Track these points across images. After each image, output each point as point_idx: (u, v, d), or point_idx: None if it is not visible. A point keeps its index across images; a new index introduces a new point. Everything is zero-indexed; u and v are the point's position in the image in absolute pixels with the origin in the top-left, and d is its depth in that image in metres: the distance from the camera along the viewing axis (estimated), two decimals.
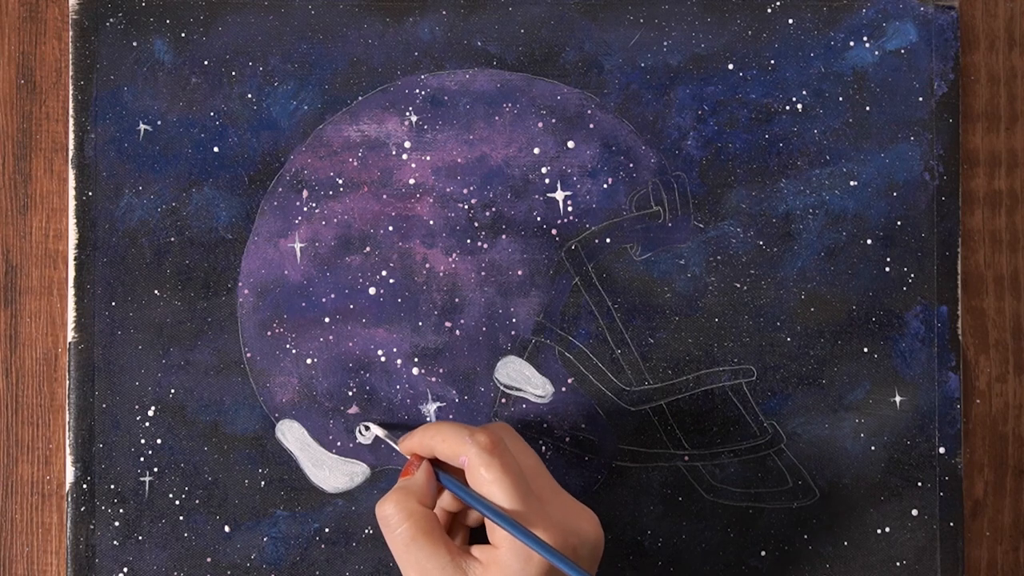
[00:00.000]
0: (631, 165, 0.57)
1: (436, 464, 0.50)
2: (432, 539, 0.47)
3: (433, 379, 0.56)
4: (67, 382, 0.56)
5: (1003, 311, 0.58)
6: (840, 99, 0.57)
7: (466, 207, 0.57)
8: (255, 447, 0.56)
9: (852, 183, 0.57)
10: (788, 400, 0.57)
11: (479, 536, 0.51)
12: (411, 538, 0.47)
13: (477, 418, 0.56)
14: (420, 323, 0.56)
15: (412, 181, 0.57)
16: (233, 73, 0.57)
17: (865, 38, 0.57)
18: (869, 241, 0.57)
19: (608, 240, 0.57)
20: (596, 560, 0.49)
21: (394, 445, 0.53)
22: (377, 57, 0.57)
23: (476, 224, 0.57)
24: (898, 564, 0.56)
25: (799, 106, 0.57)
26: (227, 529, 0.56)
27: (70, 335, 0.56)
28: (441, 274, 0.57)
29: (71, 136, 0.56)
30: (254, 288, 0.56)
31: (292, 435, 0.56)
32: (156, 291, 0.56)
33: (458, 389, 0.56)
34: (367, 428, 0.56)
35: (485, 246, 0.57)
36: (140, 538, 0.56)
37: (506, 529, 0.46)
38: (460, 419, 0.56)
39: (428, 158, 0.57)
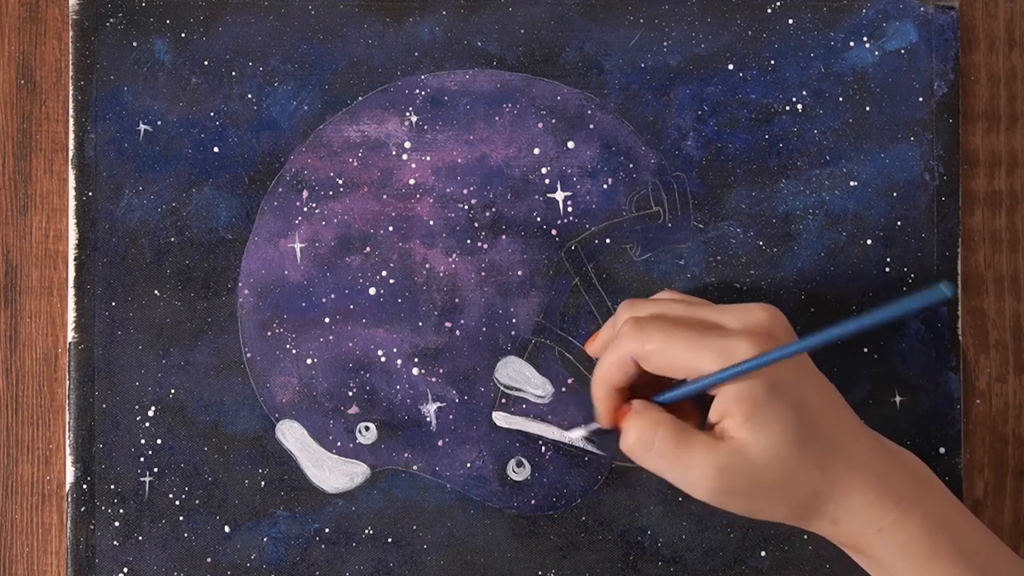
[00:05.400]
0: (631, 165, 0.57)
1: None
2: (687, 434, 0.47)
3: (433, 379, 0.56)
4: (67, 382, 0.56)
5: (1003, 311, 0.58)
6: (840, 99, 0.57)
7: (466, 207, 0.57)
8: (255, 447, 0.56)
9: (852, 183, 0.57)
10: None
11: None
12: (672, 443, 0.47)
13: (477, 418, 0.56)
14: (420, 323, 0.56)
15: (412, 181, 0.57)
16: (233, 73, 0.57)
17: (865, 38, 0.57)
18: (869, 241, 0.57)
19: (608, 240, 0.57)
20: (790, 328, 0.49)
21: (600, 424, 0.52)
22: (377, 57, 0.57)
23: (476, 224, 0.57)
24: None
25: (799, 106, 0.57)
26: (227, 529, 0.56)
27: (70, 335, 0.56)
28: (441, 274, 0.57)
29: (71, 136, 0.56)
30: (254, 288, 0.56)
31: (292, 435, 0.56)
32: (156, 291, 0.56)
33: (458, 389, 0.56)
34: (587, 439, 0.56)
35: (485, 246, 0.57)
36: (140, 538, 0.56)
37: (709, 384, 0.46)
38: (460, 420, 0.56)
39: (428, 158, 0.57)
